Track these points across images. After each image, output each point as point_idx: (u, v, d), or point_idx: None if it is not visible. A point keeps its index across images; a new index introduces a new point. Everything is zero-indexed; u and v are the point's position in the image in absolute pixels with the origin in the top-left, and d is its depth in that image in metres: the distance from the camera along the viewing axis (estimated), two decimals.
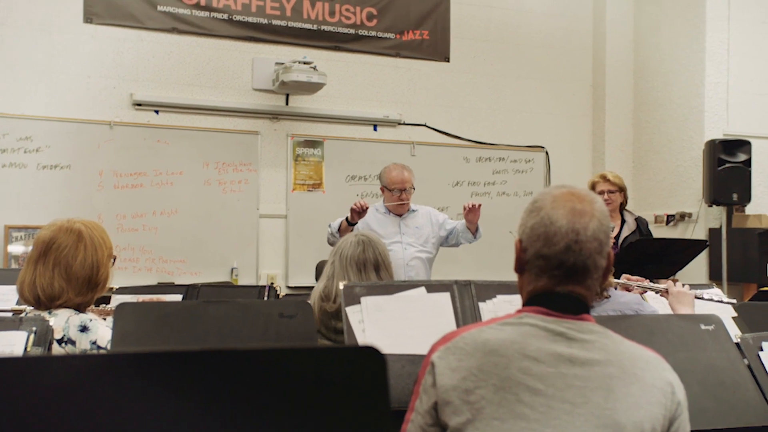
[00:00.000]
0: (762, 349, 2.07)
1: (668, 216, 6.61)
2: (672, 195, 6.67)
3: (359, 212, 4.27)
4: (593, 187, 4.76)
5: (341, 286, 2.19)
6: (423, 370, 1.37)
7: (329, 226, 4.41)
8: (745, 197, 6.15)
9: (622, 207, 4.82)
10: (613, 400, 1.27)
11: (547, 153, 6.88)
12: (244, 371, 0.96)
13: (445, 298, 2.14)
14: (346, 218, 4.31)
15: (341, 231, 4.27)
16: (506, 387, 1.28)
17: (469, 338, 1.35)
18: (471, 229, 4.43)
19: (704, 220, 6.35)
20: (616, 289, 3.01)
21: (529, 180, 6.76)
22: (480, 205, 4.36)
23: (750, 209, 6.29)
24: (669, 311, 2.91)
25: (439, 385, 1.33)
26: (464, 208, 4.37)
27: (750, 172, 6.16)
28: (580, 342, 1.32)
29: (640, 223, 4.83)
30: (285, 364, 0.92)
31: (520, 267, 1.40)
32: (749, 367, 2.08)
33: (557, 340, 1.31)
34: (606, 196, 4.68)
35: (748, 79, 6.48)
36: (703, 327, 2.14)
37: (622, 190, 4.80)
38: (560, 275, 1.34)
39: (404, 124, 6.47)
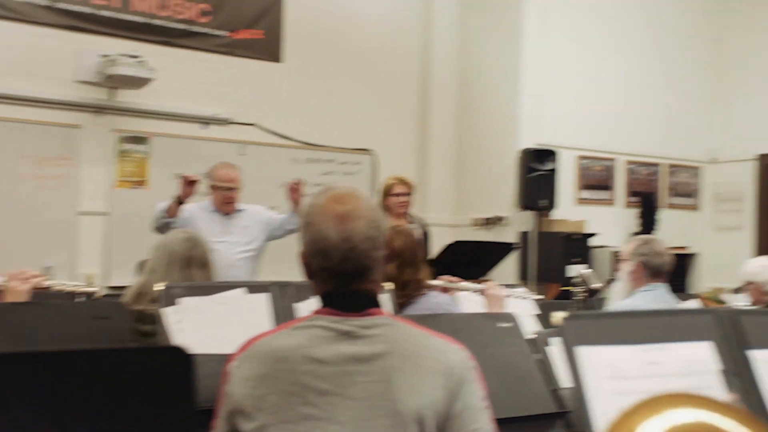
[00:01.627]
0: (548, 344, 2.30)
1: (486, 219, 7.02)
2: (489, 199, 7.08)
3: (189, 184, 4.26)
4: (390, 189, 4.94)
5: (160, 287, 2.20)
6: (223, 378, 1.43)
7: (155, 208, 4.35)
8: (552, 203, 6.66)
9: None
10: (394, 390, 1.37)
11: (374, 156, 7.08)
12: (50, 372, 0.98)
13: (263, 299, 2.22)
14: (178, 197, 4.28)
15: (170, 210, 4.24)
16: (295, 391, 1.36)
17: (262, 346, 1.43)
18: (296, 211, 4.51)
19: (516, 224, 6.81)
20: (432, 289, 3.19)
21: (357, 182, 6.94)
22: (300, 183, 4.47)
23: (556, 214, 6.81)
24: (485, 310, 3.11)
25: (234, 393, 1.40)
26: (288, 189, 4.46)
27: (556, 179, 6.68)
28: (365, 338, 1.41)
29: (423, 227, 5.09)
30: (90, 365, 0.95)
31: (309, 276, 1.49)
32: (540, 361, 2.30)
33: (343, 339, 1.41)
34: (403, 198, 4.89)
35: (559, 93, 7.01)
36: (500, 325, 2.35)
37: (413, 193, 5.03)
38: (342, 279, 1.44)
39: (234, 123, 6.45)
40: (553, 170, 6.65)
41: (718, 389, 1.42)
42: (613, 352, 1.37)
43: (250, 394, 1.38)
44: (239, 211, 4.54)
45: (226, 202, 4.45)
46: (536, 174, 6.54)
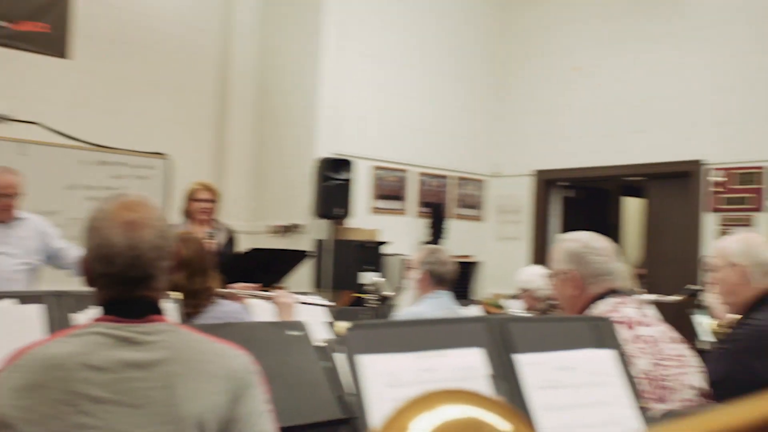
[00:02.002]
0: (337, 352, 2.35)
1: (283, 227, 7.04)
2: (286, 207, 7.11)
3: None
4: (193, 194, 4.86)
5: None
6: None
7: None
8: (347, 212, 6.82)
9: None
10: (175, 396, 1.36)
11: (169, 160, 6.88)
12: None
13: (36, 309, 2.09)
14: None
15: None
16: (67, 400, 1.32)
17: (34, 354, 1.37)
18: None
19: (313, 232, 6.90)
20: (224, 298, 3.16)
21: (150, 187, 6.70)
22: None
23: (351, 223, 6.98)
24: (276, 318, 3.12)
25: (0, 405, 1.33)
26: None
27: (351, 189, 6.84)
28: (145, 344, 1.39)
29: (229, 233, 5.07)
30: None
31: (90, 282, 1.45)
32: (329, 368, 2.35)
33: (122, 345, 1.38)
34: (206, 204, 4.82)
35: (356, 105, 7.19)
36: (290, 333, 2.37)
37: (218, 200, 4.98)
38: (125, 287, 1.42)
39: (14, 120, 6.00)
40: (348, 180, 6.81)
41: (487, 393, 1.53)
42: (392, 360, 1.44)
43: (17, 405, 1.32)
44: (18, 219, 4.22)
45: (2, 210, 4.12)
46: (332, 183, 6.66)
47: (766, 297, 2.99)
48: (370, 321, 3.02)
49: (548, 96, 8.15)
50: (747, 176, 6.88)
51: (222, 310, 2.94)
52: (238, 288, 3.35)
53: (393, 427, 0.88)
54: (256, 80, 7.43)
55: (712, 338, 4.54)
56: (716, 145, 6.99)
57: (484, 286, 8.23)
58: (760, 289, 2.98)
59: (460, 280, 7.53)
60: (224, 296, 3.14)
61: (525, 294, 5.02)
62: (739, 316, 3.18)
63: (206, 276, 3.00)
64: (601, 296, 2.77)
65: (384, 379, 1.39)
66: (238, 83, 7.33)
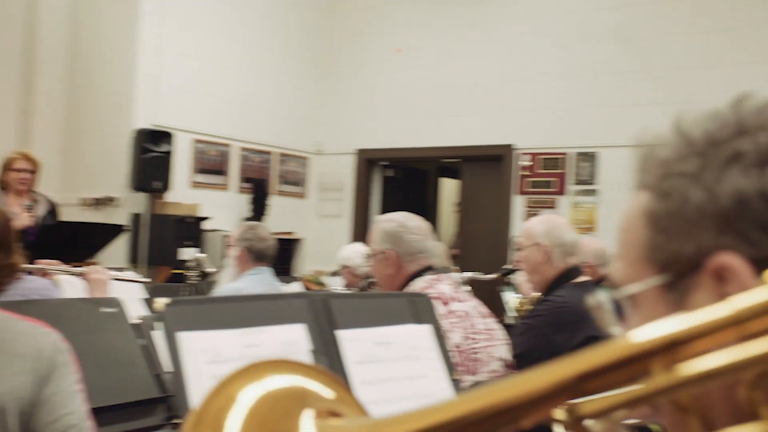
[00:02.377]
0: (154, 329, 2.29)
1: (96, 199, 6.70)
2: (100, 179, 6.77)
3: None
4: (11, 164, 4.56)
5: None
6: None
7: None
8: (166, 185, 6.60)
9: None
10: None
11: None
12: None
13: None
14: None
15: None
16: None
17: None
18: None
19: (128, 205, 6.61)
20: (31, 274, 2.97)
21: None
22: None
23: (170, 197, 6.76)
24: (87, 295, 2.98)
25: None
26: None
27: (171, 162, 6.62)
28: None
29: (50, 205, 4.81)
30: None
31: None
32: (145, 346, 2.28)
33: None
34: (24, 174, 4.54)
35: (177, 75, 6.94)
36: (104, 310, 2.27)
37: (38, 170, 4.72)
38: None
39: None
40: (168, 152, 6.58)
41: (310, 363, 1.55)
42: (214, 337, 1.42)
43: None
44: None
45: None
46: (151, 155, 6.41)
47: (566, 275, 3.24)
48: (189, 297, 2.96)
49: (371, 76, 8.28)
50: (552, 161, 7.37)
51: (28, 286, 2.75)
52: (43, 264, 3.16)
53: (217, 398, 0.87)
54: (68, 43, 6.97)
55: (515, 314, 4.86)
56: (525, 131, 7.43)
57: (306, 263, 8.28)
58: (561, 267, 3.22)
59: (281, 256, 7.52)
60: (31, 272, 2.95)
61: (345, 271, 5.11)
62: (540, 294, 3.42)
63: (9, 251, 2.80)
64: (417, 274, 2.88)
65: (205, 356, 1.37)
66: (46, 46, 6.84)
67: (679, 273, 0.71)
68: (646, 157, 0.76)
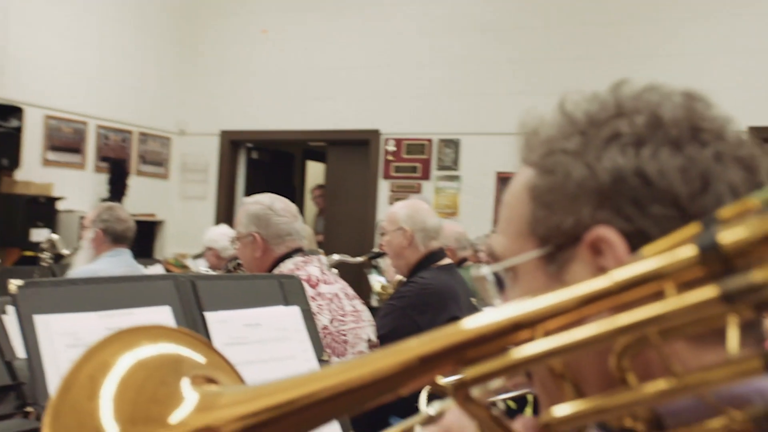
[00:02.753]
0: (5, 312, 2.15)
1: None
2: None
3: None
4: None
5: None
6: None
7: None
8: (16, 163, 6.19)
9: None
10: None
11: None
12: None
13: None
14: None
15: None
16: None
17: None
18: None
19: None
20: None
21: None
22: None
23: (20, 176, 6.36)
24: None
25: None
26: None
27: (21, 138, 6.22)
28: None
29: None
30: None
31: None
32: None
33: None
34: None
35: (28, 47, 6.52)
36: None
37: None
38: None
39: None
40: (18, 128, 6.17)
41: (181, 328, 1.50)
42: (73, 320, 1.34)
43: None
44: None
45: None
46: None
47: (429, 258, 3.30)
48: (46, 279, 2.79)
49: (237, 56, 8.11)
50: (416, 147, 7.50)
51: None
52: None
53: (88, 364, 0.83)
54: None
55: (378, 297, 4.92)
56: (391, 117, 7.51)
57: (168, 245, 8.03)
58: (423, 251, 3.28)
59: (141, 238, 7.26)
60: None
61: (210, 253, 4.99)
62: (404, 277, 3.48)
63: None
64: (285, 256, 2.85)
65: (64, 340, 1.29)
66: None
67: (558, 246, 0.74)
68: (530, 136, 0.79)
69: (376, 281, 5.15)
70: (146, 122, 7.91)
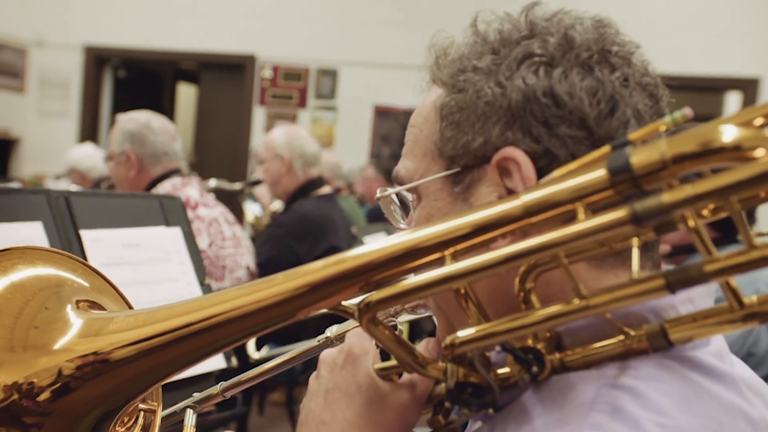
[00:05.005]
0: None
1: None
2: None
3: None
4: None
5: None
6: None
7: None
8: None
9: None
10: None
11: None
12: None
13: None
14: None
15: None
16: None
17: None
18: None
19: None
20: None
21: None
22: None
23: None
24: None
25: None
26: None
27: None
28: None
29: None
30: None
31: None
32: None
33: None
34: None
35: None
36: None
37: None
38: None
39: None
40: None
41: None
42: None
43: None
44: None
45: None
46: None
47: (308, 186, 3.28)
48: None
49: None
50: (294, 75, 7.36)
51: None
52: None
53: None
54: None
55: (251, 227, 4.87)
56: (269, 42, 7.31)
57: (26, 164, 7.57)
58: (302, 179, 3.25)
59: None
60: None
61: (74, 174, 4.75)
62: (282, 206, 3.44)
63: None
64: (162, 177, 2.75)
65: None
66: None
67: (465, 166, 0.74)
68: (441, 54, 0.78)
69: (250, 211, 5.09)
70: None
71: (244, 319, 0.69)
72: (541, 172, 0.69)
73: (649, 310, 0.68)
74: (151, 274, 1.67)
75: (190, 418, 0.96)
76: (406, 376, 0.75)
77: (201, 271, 1.78)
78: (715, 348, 0.70)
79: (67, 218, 1.52)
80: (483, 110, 0.72)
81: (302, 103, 7.36)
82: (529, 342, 0.69)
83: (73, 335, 0.73)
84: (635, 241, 0.64)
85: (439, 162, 0.76)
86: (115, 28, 7.53)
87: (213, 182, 3.51)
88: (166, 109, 9.61)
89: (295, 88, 7.36)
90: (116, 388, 0.72)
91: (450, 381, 0.70)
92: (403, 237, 0.65)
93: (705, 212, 0.62)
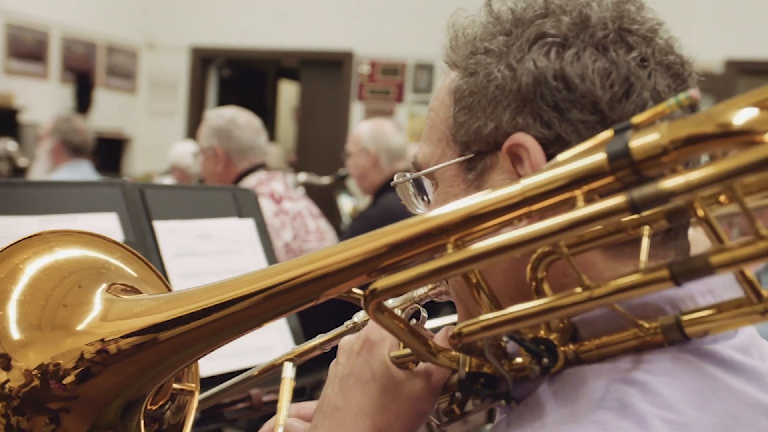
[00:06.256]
0: None
1: None
2: None
3: None
4: None
5: None
6: None
7: None
8: None
9: None
10: None
11: None
12: None
13: None
14: None
15: None
16: None
17: None
18: None
19: None
20: None
21: None
22: None
23: None
24: None
25: None
26: None
27: None
28: None
29: None
30: None
31: None
32: None
33: None
34: None
35: None
36: None
37: None
38: None
39: None
40: None
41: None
42: (14, 223, 1.32)
43: None
44: None
45: None
46: None
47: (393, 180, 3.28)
48: None
49: None
50: (391, 69, 7.39)
51: None
52: None
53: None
54: None
55: (351, 218, 4.93)
56: (366, 37, 7.37)
57: (137, 162, 7.93)
58: (388, 172, 3.27)
59: (110, 155, 7.15)
60: None
61: (176, 171, 4.95)
62: (371, 199, 3.47)
63: None
64: (248, 171, 2.83)
65: (2, 243, 1.27)
66: None
67: (478, 152, 0.72)
68: (456, 36, 0.76)
69: (347, 203, 5.16)
70: (112, 33, 7.68)
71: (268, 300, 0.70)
72: (552, 158, 0.67)
73: (666, 301, 0.64)
74: (224, 265, 1.72)
75: (288, 371, 0.98)
76: (422, 365, 0.74)
77: (273, 262, 1.81)
78: (740, 341, 0.66)
79: (141, 210, 1.58)
80: (493, 94, 0.70)
81: (399, 98, 7.38)
82: (542, 333, 0.67)
83: (95, 317, 0.74)
84: (646, 230, 0.61)
85: (453, 148, 0.75)
86: (220, 28, 7.78)
87: (302, 176, 3.58)
88: (269, 107, 9.85)
89: (392, 83, 7.39)
90: (136, 374, 0.73)
91: (461, 371, 0.69)
92: (406, 225, 0.64)
93: (722, 199, 0.59)
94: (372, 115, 7.33)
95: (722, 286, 0.66)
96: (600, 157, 0.55)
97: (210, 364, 1.51)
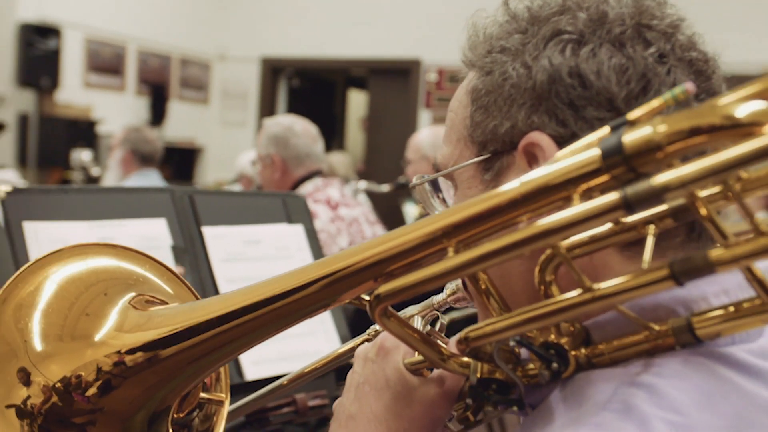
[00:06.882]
0: None
1: None
2: None
3: None
4: None
5: None
6: None
7: None
8: (55, 82, 6.26)
9: None
10: None
11: None
12: None
13: None
14: None
15: None
16: None
17: None
18: None
19: (15, 103, 6.26)
20: None
21: None
22: None
23: (61, 97, 6.44)
24: None
25: None
26: None
27: (60, 58, 6.27)
28: None
29: None
30: None
31: None
32: None
33: None
34: None
35: None
36: None
37: None
38: None
39: None
40: (57, 49, 6.23)
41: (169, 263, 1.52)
42: (63, 228, 1.36)
43: None
44: None
45: None
46: (38, 51, 6.05)
47: None
48: (37, 186, 2.84)
49: None
50: (459, 76, 7.37)
51: None
52: None
53: (36, 274, 0.82)
54: None
55: None
56: (433, 45, 7.36)
57: (209, 171, 8.12)
58: None
59: (183, 164, 7.34)
60: None
61: (243, 179, 5.04)
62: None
63: None
64: (305, 178, 2.86)
65: (53, 247, 1.31)
66: None
67: (494, 152, 0.71)
68: (474, 35, 0.75)
69: (412, 210, 5.16)
70: (186, 46, 7.90)
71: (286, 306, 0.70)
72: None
73: (678, 302, 0.62)
74: (271, 271, 1.72)
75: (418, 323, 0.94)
76: (436, 371, 0.73)
77: None
78: (760, 346, 0.63)
79: (190, 215, 1.62)
80: (509, 93, 0.69)
81: None
82: (552, 337, 0.66)
83: (111, 327, 0.74)
84: (651, 229, 0.59)
85: (471, 148, 0.74)
86: (289, 39, 7.91)
87: (363, 184, 3.60)
88: (338, 115, 9.95)
89: None
90: (157, 384, 0.73)
91: (472, 377, 0.68)
92: (410, 229, 0.63)
93: (731, 195, 0.56)
94: (439, 122, 7.31)
95: (737, 287, 0.63)
96: (594, 153, 0.54)
97: (254, 369, 1.53)
